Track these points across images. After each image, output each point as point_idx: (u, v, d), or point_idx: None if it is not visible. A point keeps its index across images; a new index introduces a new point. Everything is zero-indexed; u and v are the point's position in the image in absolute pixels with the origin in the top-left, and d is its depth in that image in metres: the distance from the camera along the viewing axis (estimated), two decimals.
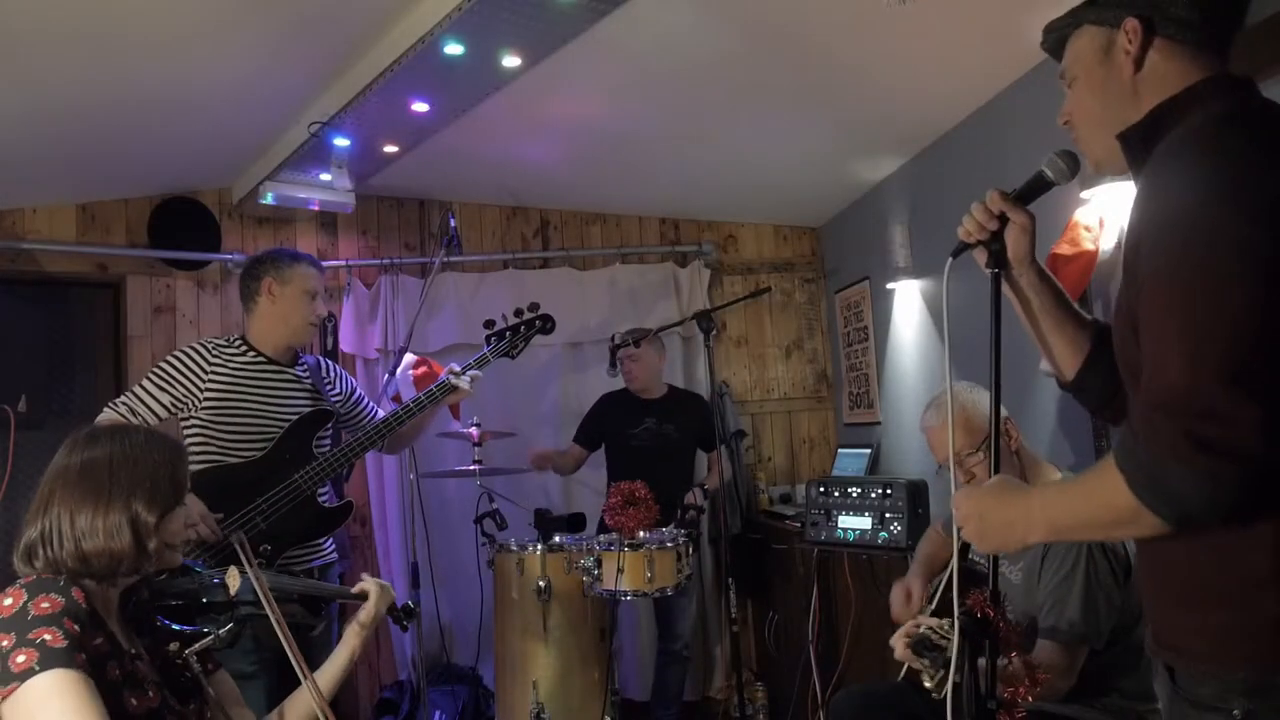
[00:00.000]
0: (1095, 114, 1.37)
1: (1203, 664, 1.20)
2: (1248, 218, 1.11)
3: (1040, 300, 1.52)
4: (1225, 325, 1.09)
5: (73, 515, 1.51)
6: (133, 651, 1.56)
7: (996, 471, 1.48)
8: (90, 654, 1.43)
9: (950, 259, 1.58)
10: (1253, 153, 1.16)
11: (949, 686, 1.51)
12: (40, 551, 1.51)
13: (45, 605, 1.42)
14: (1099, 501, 1.21)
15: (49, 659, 1.36)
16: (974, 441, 2.25)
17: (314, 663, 1.81)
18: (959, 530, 1.40)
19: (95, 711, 1.36)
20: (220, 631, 1.65)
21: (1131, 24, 1.30)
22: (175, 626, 1.66)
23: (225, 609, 1.68)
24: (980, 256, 1.54)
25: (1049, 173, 1.49)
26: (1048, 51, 1.49)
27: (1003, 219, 1.49)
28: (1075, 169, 1.48)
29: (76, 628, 1.42)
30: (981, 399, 2.30)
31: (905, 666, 1.79)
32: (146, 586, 1.64)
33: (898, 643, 1.77)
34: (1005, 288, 1.53)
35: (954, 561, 1.47)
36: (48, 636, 1.38)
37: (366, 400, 3.05)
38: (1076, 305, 1.56)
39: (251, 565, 1.67)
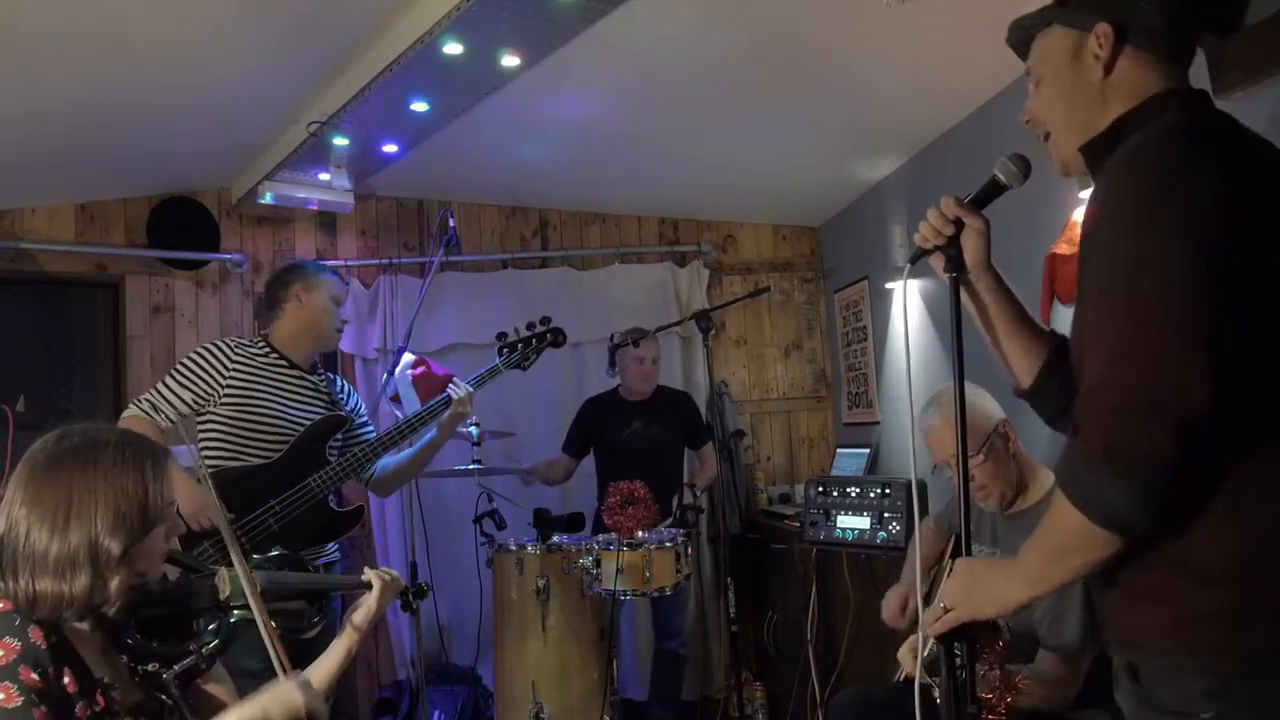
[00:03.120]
0: (1062, 116, 1.37)
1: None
2: (1184, 233, 1.12)
3: (997, 305, 1.51)
4: (1149, 337, 1.10)
5: (29, 527, 1.39)
6: (105, 680, 1.45)
7: (964, 474, 1.46)
8: (53, 701, 1.33)
9: (908, 265, 1.57)
10: (1195, 166, 1.16)
11: (916, 687, 1.51)
12: None
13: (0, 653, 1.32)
14: (1053, 529, 1.22)
15: None
16: (975, 444, 2.19)
17: (312, 657, 1.79)
18: (942, 599, 1.38)
19: None
20: (204, 649, 1.55)
21: (1104, 29, 1.29)
22: (154, 644, 1.54)
23: (215, 613, 1.58)
24: (937, 263, 1.53)
25: (1001, 176, 1.48)
26: (1012, 47, 1.48)
27: (959, 224, 1.48)
28: (1027, 171, 1.47)
29: (35, 676, 1.32)
30: (983, 400, 2.26)
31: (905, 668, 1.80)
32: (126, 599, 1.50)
33: (906, 658, 1.76)
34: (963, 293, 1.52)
35: (917, 573, 1.47)
36: (0, 695, 1.28)
37: (371, 426, 3.05)
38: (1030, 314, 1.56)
39: (243, 565, 1.57)
